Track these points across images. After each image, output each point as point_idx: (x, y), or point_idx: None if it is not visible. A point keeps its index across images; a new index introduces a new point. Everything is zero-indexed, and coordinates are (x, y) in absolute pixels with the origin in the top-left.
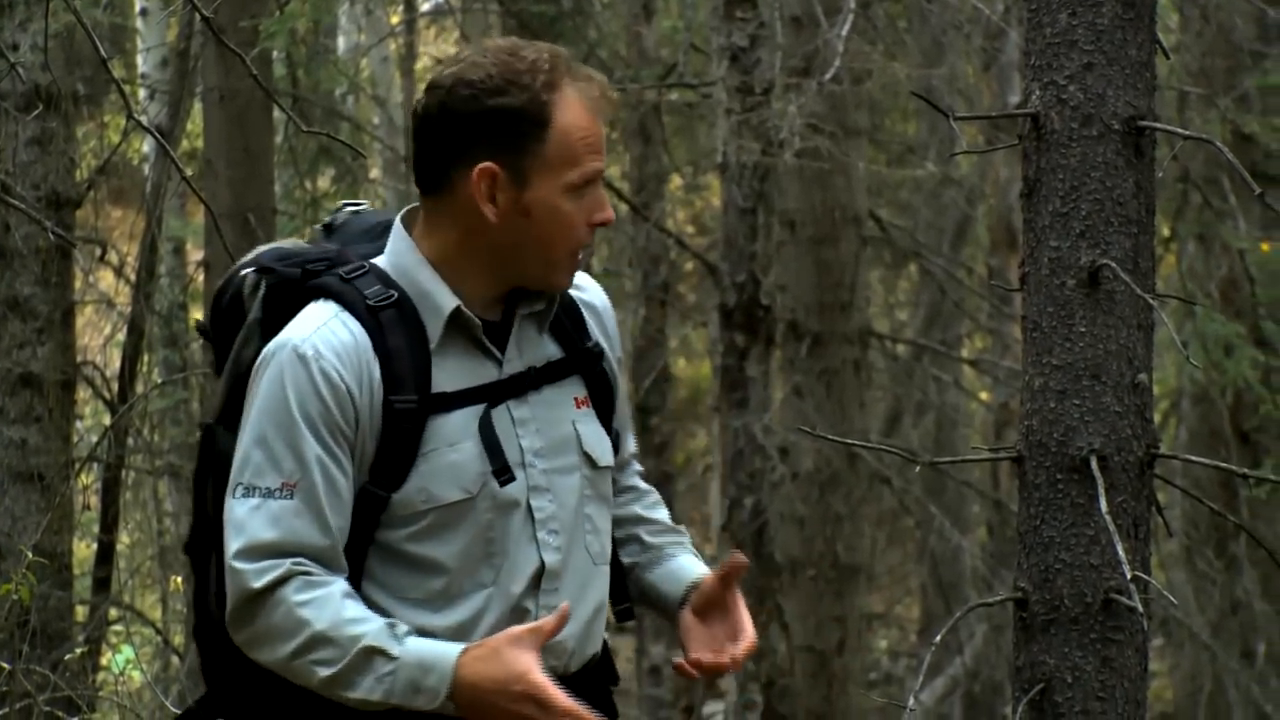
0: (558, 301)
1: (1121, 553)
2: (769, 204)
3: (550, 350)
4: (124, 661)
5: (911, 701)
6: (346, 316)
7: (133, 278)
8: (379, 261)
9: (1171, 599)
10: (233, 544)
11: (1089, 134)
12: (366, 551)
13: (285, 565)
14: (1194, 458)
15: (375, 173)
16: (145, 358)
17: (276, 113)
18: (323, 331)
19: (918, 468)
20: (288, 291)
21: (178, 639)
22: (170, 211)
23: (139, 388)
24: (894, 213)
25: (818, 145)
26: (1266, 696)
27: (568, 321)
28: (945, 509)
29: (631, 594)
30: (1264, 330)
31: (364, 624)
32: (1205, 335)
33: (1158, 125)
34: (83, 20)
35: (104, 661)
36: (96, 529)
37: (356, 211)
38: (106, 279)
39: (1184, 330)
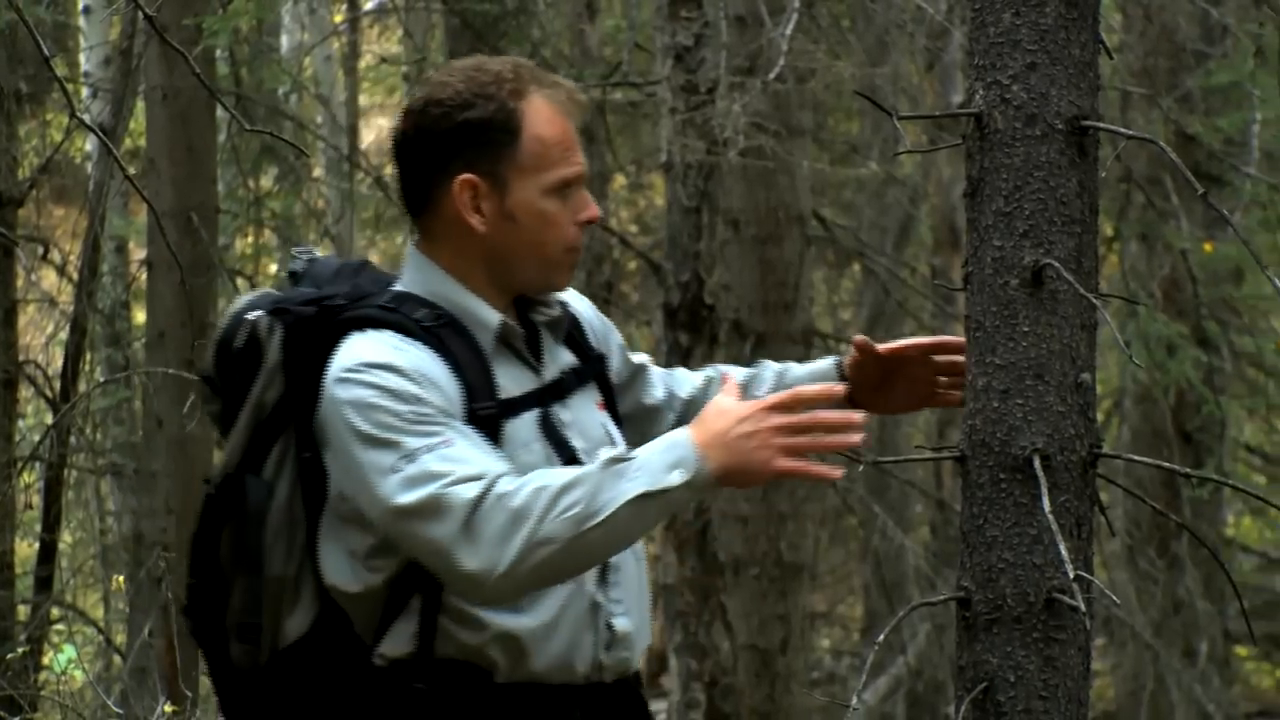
0: (568, 311)
1: (1064, 552)
2: (713, 203)
3: (569, 358)
4: (66, 661)
5: (855, 700)
6: (404, 338)
7: (75, 276)
8: (404, 288)
9: (1114, 598)
10: (427, 487)
11: (1032, 134)
12: None
13: (487, 477)
14: (1136, 457)
15: (318, 171)
16: (87, 356)
17: (219, 111)
18: (395, 353)
19: (861, 467)
20: (308, 331)
21: (120, 638)
22: (113, 210)
23: (81, 386)
24: (838, 212)
25: (762, 144)
26: (1208, 696)
27: (576, 334)
28: (888, 508)
29: None
30: (1206, 330)
31: (588, 464)
32: (1148, 335)
33: (1101, 125)
34: (25, 18)
35: (46, 661)
36: (38, 528)
37: (313, 259)
38: (49, 278)
39: (1127, 330)
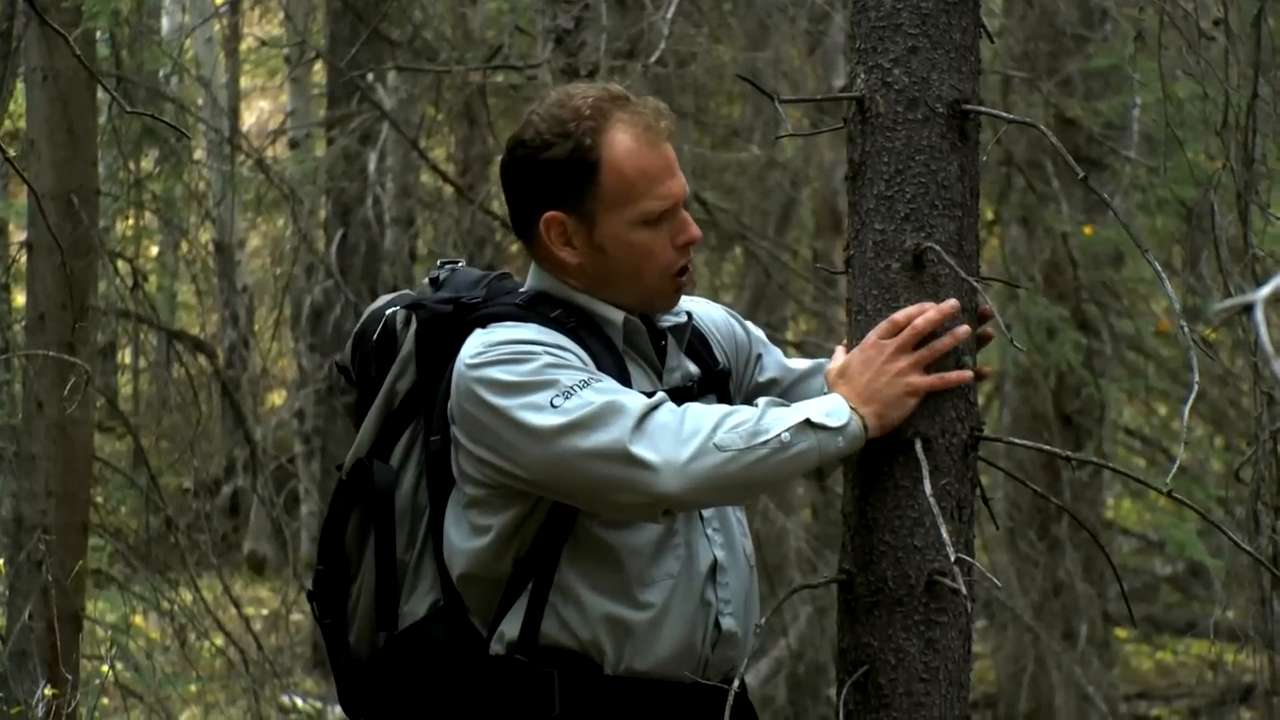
0: (691, 321)
1: (945, 535)
2: None
3: (692, 368)
4: None
5: (735, 684)
6: (540, 328)
7: None
8: (537, 287)
9: (995, 581)
10: (593, 402)
11: (914, 117)
12: (563, 545)
13: (654, 398)
14: (1017, 440)
15: (199, 154)
16: None
17: (100, 93)
18: (530, 331)
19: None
20: (441, 326)
21: None
22: None
23: None
24: (719, 196)
25: None
26: (1088, 677)
27: (699, 346)
28: (770, 491)
29: None
30: (1086, 313)
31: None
32: (1029, 318)
33: (982, 109)
34: None
35: None
36: None
37: (455, 268)
38: None
39: (1007, 313)
